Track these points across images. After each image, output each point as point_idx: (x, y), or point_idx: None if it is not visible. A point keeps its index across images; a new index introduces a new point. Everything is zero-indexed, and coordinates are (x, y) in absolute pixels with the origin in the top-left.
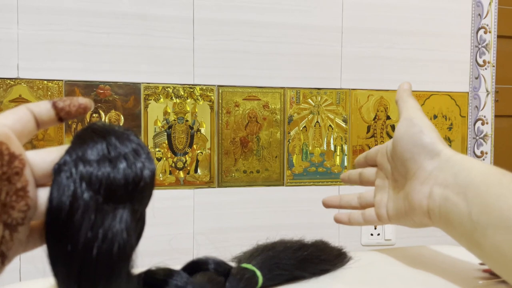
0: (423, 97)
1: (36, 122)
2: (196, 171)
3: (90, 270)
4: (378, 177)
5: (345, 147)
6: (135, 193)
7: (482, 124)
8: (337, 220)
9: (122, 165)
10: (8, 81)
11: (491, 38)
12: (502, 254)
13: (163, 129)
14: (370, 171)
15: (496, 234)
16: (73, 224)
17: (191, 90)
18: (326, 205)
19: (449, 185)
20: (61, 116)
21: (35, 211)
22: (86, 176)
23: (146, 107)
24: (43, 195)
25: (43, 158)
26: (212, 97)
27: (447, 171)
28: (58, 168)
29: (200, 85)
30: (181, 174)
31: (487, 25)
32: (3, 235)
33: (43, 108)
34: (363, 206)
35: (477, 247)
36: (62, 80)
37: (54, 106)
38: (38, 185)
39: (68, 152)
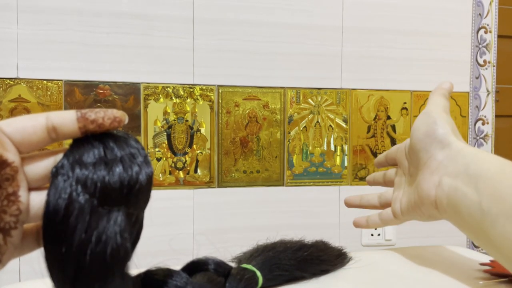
0: (423, 97)
1: (55, 132)
2: (196, 171)
3: (84, 273)
4: (397, 175)
5: (345, 147)
6: (130, 196)
7: (483, 124)
8: (356, 225)
9: (118, 168)
10: (8, 81)
11: (491, 38)
12: (511, 243)
13: (162, 129)
14: (391, 171)
15: (507, 224)
16: (68, 227)
17: (191, 90)
18: (348, 204)
19: (459, 175)
20: (89, 128)
21: (28, 215)
22: (82, 179)
23: (145, 107)
24: (36, 198)
25: (38, 163)
26: (212, 97)
27: (458, 162)
28: (56, 171)
29: (200, 85)
30: (181, 174)
31: (488, 25)
32: None
33: (67, 118)
34: (382, 205)
35: (486, 237)
36: (61, 80)
37: (84, 117)
38: (32, 188)
39: (66, 155)
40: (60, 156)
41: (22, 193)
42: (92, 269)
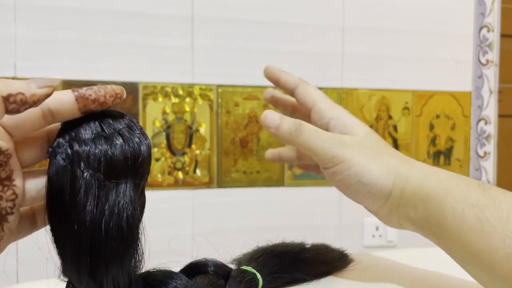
0: (425, 97)
1: (51, 116)
2: (195, 171)
3: (101, 246)
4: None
5: None
6: (134, 168)
7: (485, 124)
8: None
9: (119, 141)
10: None
11: (494, 37)
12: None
13: (161, 129)
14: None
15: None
16: (77, 204)
17: (190, 89)
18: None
19: (412, 219)
20: (90, 108)
21: (24, 199)
22: (84, 155)
23: (144, 106)
24: (30, 180)
25: (31, 145)
26: (212, 96)
27: (405, 207)
28: (53, 151)
29: (199, 84)
30: (180, 174)
31: (490, 24)
32: None
33: (65, 101)
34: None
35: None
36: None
37: (83, 97)
38: (25, 171)
39: (59, 134)
40: (53, 135)
41: (17, 177)
42: (108, 241)
